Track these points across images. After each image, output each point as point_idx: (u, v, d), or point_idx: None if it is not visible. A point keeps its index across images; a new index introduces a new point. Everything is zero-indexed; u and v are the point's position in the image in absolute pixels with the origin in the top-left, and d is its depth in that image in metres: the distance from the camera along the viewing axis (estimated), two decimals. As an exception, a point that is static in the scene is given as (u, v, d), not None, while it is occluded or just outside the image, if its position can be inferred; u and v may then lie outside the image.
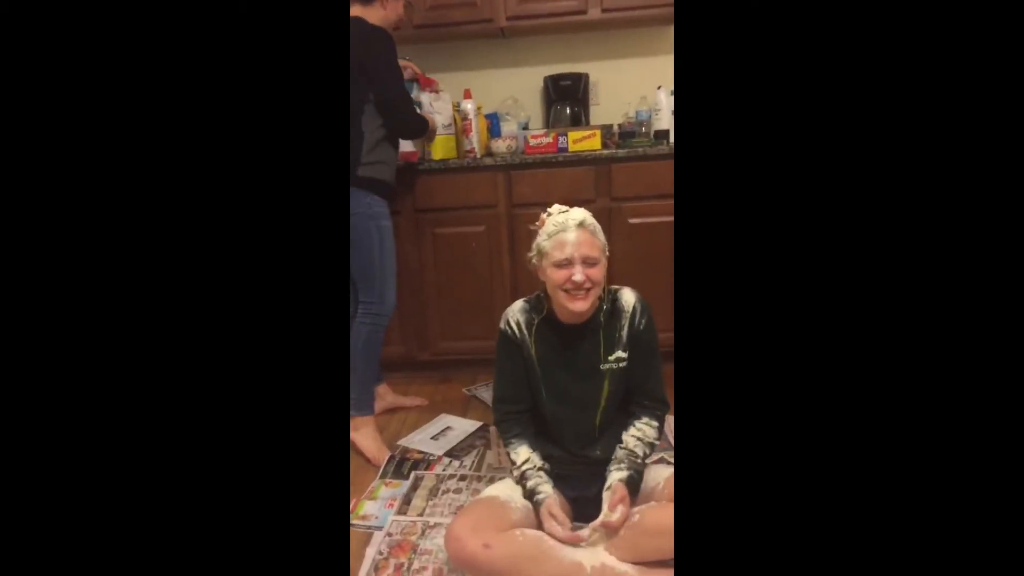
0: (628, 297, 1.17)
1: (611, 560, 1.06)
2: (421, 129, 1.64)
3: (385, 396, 1.89)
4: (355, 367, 1.55)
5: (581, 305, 1.08)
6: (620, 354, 1.16)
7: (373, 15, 1.50)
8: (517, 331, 1.18)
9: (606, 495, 1.11)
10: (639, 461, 1.14)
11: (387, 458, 1.57)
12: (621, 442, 1.17)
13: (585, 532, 1.08)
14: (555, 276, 1.09)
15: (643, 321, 1.16)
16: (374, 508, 1.38)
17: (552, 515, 1.09)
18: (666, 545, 1.04)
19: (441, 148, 1.99)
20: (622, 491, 1.09)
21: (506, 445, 1.19)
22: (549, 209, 1.14)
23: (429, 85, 1.88)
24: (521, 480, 1.14)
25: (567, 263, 1.07)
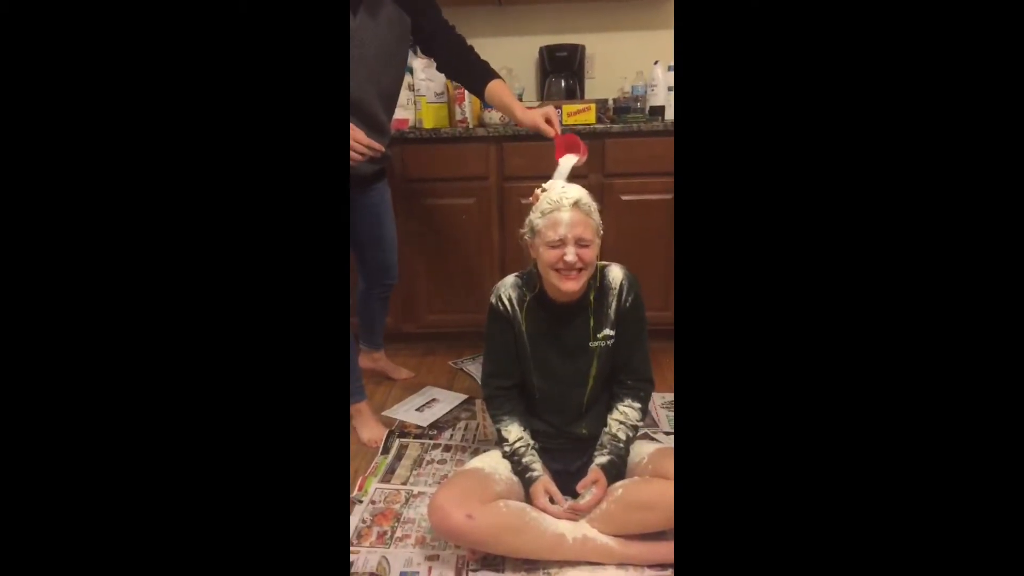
0: (616, 274, 1.16)
1: (593, 532, 1.08)
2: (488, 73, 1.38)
3: (378, 360, 1.90)
4: None
5: (572, 285, 1.07)
6: (608, 332, 1.15)
7: None
8: (509, 307, 1.17)
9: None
10: (621, 446, 1.15)
11: (385, 435, 1.57)
12: (606, 424, 1.17)
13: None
14: (547, 256, 1.07)
15: (630, 298, 1.15)
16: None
17: (549, 492, 1.10)
18: (648, 519, 1.06)
19: (432, 117, 1.95)
20: (596, 474, 1.11)
21: (496, 422, 1.19)
22: (544, 185, 1.12)
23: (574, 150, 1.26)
24: (513, 457, 1.15)
25: (560, 243, 1.06)
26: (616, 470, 1.13)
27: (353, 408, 1.58)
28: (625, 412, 1.16)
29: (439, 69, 1.51)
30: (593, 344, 1.15)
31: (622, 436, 1.15)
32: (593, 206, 1.09)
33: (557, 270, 1.07)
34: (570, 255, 1.04)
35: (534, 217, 1.10)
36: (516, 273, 1.21)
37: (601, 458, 1.13)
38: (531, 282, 1.17)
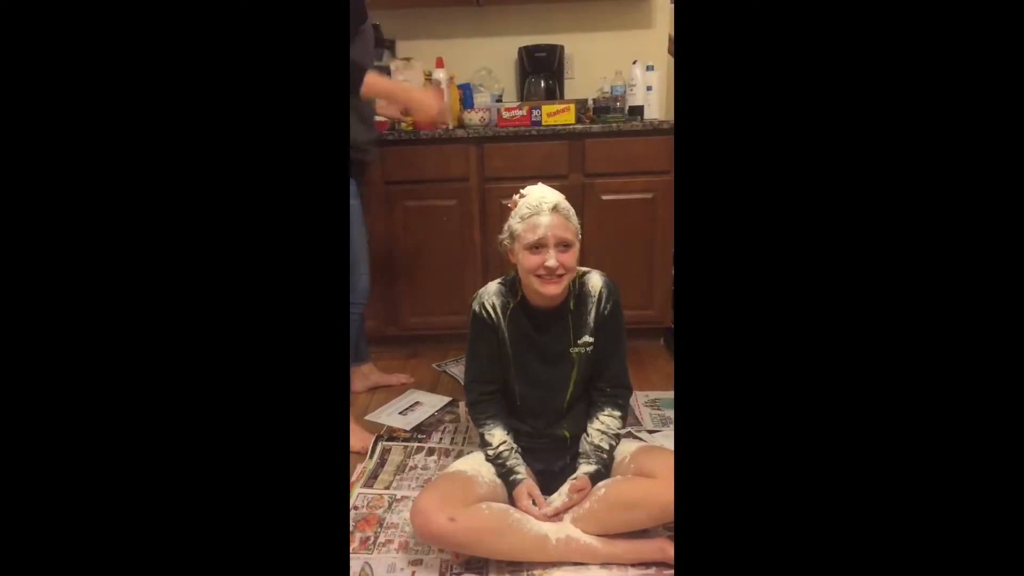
0: (595, 281, 1.17)
1: (576, 532, 1.08)
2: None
3: (369, 375, 1.85)
4: None
5: (554, 289, 1.08)
6: (587, 339, 1.16)
7: None
8: (493, 314, 1.17)
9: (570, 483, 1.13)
10: (605, 456, 1.16)
11: (372, 441, 1.55)
12: (587, 433, 1.18)
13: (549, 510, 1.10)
14: (527, 261, 1.08)
15: (609, 306, 1.16)
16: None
17: (532, 495, 1.11)
18: (631, 517, 1.07)
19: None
20: (582, 483, 1.11)
21: (479, 426, 1.19)
22: (522, 190, 1.13)
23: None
24: (497, 460, 1.15)
25: (540, 246, 1.06)
26: (602, 478, 1.14)
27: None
28: (606, 421, 1.17)
29: None
30: (573, 351, 1.16)
31: (605, 446, 1.15)
32: (571, 210, 1.11)
33: (539, 276, 1.07)
34: (551, 260, 1.05)
35: (513, 222, 1.11)
36: (499, 280, 1.21)
37: (588, 467, 1.14)
38: (514, 289, 1.18)
